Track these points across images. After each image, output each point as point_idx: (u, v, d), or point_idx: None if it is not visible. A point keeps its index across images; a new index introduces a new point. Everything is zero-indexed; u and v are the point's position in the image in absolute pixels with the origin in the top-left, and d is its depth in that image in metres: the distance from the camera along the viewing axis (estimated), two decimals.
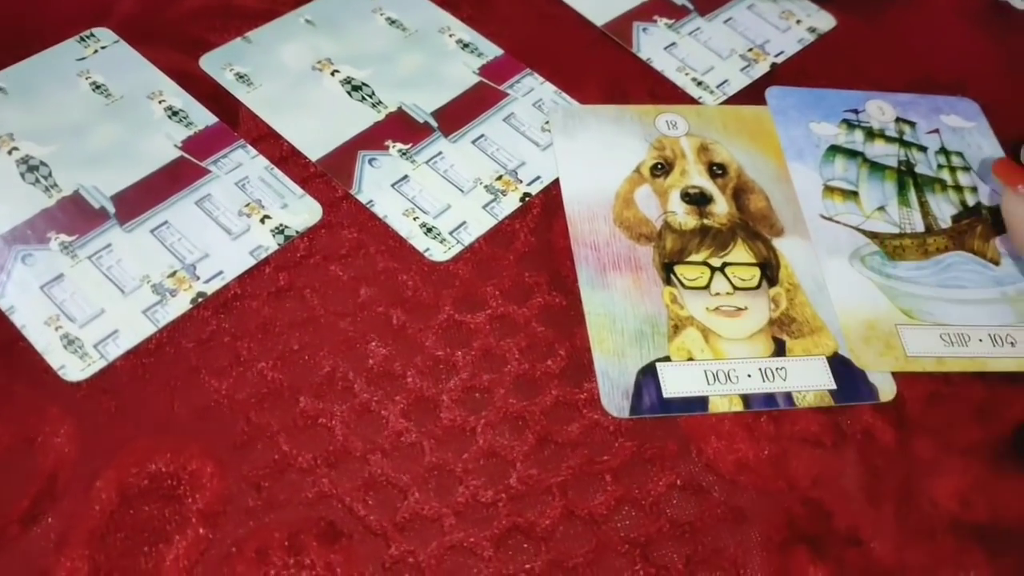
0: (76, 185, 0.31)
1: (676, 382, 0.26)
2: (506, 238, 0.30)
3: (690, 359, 0.27)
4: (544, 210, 0.31)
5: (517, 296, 0.28)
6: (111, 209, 0.30)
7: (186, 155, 0.32)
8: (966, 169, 0.33)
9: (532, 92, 0.35)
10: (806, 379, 0.27)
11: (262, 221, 0.30)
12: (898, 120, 0.34)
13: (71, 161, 0.31)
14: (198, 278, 0.28)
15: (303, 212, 0.30)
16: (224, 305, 0.27)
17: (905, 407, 0.27)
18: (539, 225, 0.30)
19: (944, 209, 0.32)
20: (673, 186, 0.32)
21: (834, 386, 0.27)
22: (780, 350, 0.28)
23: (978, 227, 0.31)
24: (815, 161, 0.32)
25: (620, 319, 0.28)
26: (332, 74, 0.35)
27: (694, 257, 0.29)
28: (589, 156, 0.32)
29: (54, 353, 0.26)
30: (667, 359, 0.27)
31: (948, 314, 0.29)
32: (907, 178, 0.32)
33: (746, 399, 0.26)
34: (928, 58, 0.38)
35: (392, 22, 0.37)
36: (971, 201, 0.32)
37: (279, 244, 0.29)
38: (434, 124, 0.33)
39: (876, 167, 0.32)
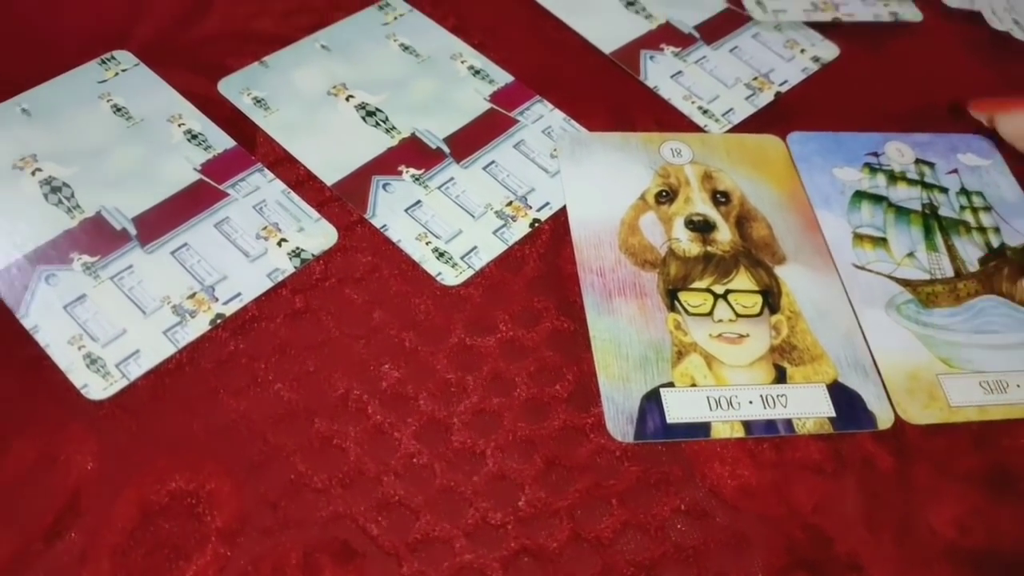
0: (98, 206, 0.31)
1: (679, 408, 0.27)
2: (515, 263, 0.31)
3: (693, 385, 0.28)
4: (553, 236, 0.31)
5: (526, 321, 0.29)
6: (132, 231, 0.31)
7: (205, 178, 0.32)
8: (987, 209, 0.34)
9: (542, 119, 0.35)
10: (806, 406, 0.28)
11: (279, 244, 0.30)
12: (917, 161, 0.35)
13: (93, 182, 0.32)
14: (217, 299, 0.29)
15: (319, 236, 0.31)
16: (242, 327, 0.28)
17: (904, 435, 0.28)
18: (548, 251, 0.31)
19: (970, 252, 0.32)
20: (677, 213, 0.32)
21: (834, 414, 0.28)
22: (781, 377, 0.28)
23: (1004, 269, 0.32)
24: (842, 208, 0.33)
25: (625, 345, 0.28)
26: (347, 99, 0.35)
27: (697, 284, 0.30)
28: (596, 183, 0.33)
29: (77, 372, 0.27)
30: (671, 385, 0.27)
31: (985, 361, 0.29)
32: (932, 221, 0.33)
33: (747, 425, 0.27)
34: (930, 87, 0.39)
35: (405, 48, 0.38)
36: (995, 242, 0.33)
37: (295, 267, 0.30)
38: (446, 150, 0.34)
39: (902, 211, 0.33)
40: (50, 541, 0.23)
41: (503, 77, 0.37)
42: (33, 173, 0.32)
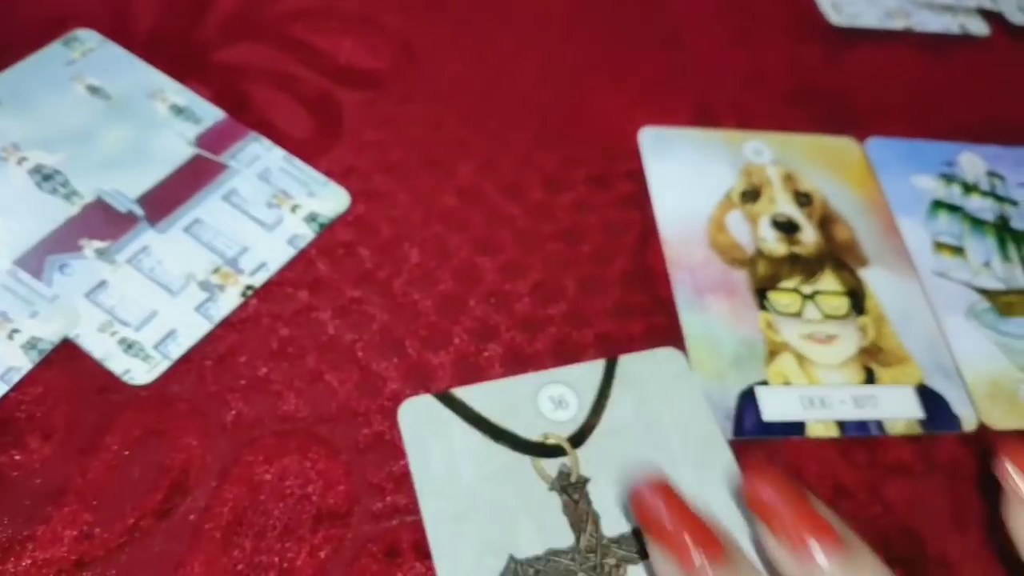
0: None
1: (774, 406, 0.42)
2: (605, 258, 0.47)
3: (786, 384, 0.44)
4: (642, 231, 0.48)
5: (622, 315, 0.44)
6: (139, 212, 0.44)
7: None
8: None
9: (258, 160, 0.47)
10: (896, 408, 0.44)
11: None
12: (989, 174, 0.54)
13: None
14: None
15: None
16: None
17: (987, 439, 0.44)
18: (637, 246, 0.47)
19: None
20: (762, 212, 0.49)
21: (922, 415, 0.44)
22: (870, 379, 0.44)
23: None
24: (921, 216, 0.51)
25: (719, 342, 0.44)
26: (19, 163, 0.45)
27: (785, 284, 0.47)
28: (681, 180, 0.50)
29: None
30: (765, 383, 0.43)
31: None
32: (1005, 233, 0.51)
33: (841, 425, 0.43)
34: (998, 99, 0.60)
35: (94, 90, 0.48)
36: None
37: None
38: (139, 212, 0.44)
39: (976, 222, 0.52)
40: (160, 518, 0.36)
41: (212, 114, 0.48)
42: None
